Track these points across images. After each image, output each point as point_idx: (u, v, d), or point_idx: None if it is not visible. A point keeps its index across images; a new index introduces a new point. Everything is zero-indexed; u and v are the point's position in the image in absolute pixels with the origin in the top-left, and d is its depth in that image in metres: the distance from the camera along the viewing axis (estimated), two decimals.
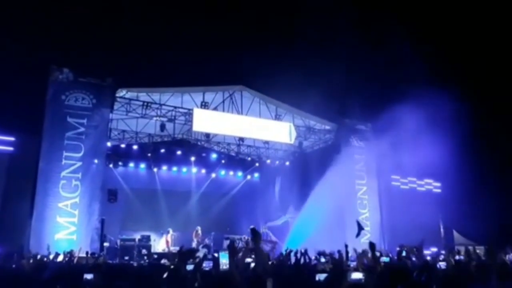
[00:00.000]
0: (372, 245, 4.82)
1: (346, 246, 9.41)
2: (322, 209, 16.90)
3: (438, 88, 16.11)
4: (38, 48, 18.83)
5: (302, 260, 8.75)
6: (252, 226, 4.65)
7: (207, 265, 7.65)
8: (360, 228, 9.55)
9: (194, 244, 18.96)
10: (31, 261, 9.96)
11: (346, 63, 21.33)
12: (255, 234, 4.57)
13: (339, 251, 9.43)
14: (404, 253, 9.23)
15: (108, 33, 20.87)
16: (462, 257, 9.48)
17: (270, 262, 8.59)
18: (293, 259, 9.09)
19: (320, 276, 4.67)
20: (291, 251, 9.63)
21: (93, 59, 19.50)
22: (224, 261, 5.33)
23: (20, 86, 17.28)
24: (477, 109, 17.07)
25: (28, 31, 19.69)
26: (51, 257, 10.84)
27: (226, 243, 19.00)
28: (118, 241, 17.08)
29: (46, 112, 14.26)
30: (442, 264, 7.01)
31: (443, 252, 11.66)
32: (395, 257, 9.72)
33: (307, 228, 17.28)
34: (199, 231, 19.54)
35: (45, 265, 8.87)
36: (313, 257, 9.86)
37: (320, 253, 9.76)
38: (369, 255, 5.09)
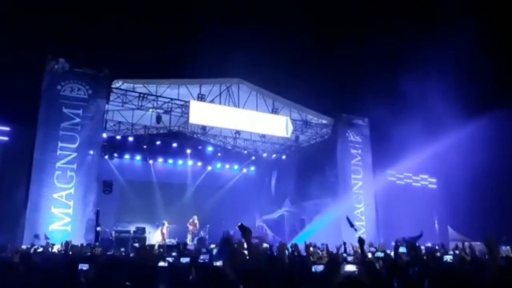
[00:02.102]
0: (360, 240, 4.83)
1: (345, 243, 9.73)
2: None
3: (434, 83, 16.14)
4: (34, 39, 18.68)
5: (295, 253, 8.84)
6: (239, 223, 4.56)
7: (203, 258, 7.64)
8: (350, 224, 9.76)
9: (189, 236, 18.96)
10: (32, 251, 9.88)
11: (343, 57, 21.34)
12: (245, 230, 4.50)
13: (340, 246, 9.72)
14: (403, 249, 9.27)
15: (104, 23, 20.72)
16: (457, 252, 9.54)
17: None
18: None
19: (317, 268, 4.68)
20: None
21: (89, 49, 19.36)
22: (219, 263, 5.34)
23: (16, 76, 17.13)
24: (473, 105, 17.06)
25: (24, 22, 19.51)
26: (49, 248, 10.81)
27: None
28: (113, 233, 17.09)
29: (42, 102, 14.14)
30: (448, 258, 7.09)
31: (437, 247, 11.71)
32: (391, 252, 9.77)
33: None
34: (196, 221, 19.50)
35: (39, 256, 8.83)
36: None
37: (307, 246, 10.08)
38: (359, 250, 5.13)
